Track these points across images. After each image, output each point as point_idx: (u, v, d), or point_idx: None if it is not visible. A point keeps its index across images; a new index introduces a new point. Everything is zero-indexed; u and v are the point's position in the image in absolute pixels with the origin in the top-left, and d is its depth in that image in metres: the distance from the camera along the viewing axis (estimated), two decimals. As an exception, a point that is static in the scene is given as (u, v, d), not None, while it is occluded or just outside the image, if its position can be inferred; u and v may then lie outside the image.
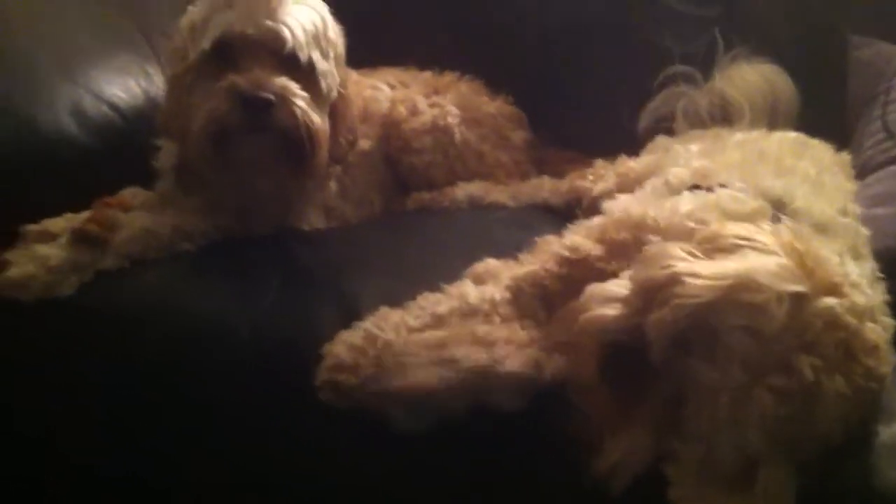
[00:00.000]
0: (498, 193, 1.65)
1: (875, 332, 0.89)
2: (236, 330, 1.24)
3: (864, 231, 1.16)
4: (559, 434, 1.01)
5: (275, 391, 1.22)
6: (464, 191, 1.65)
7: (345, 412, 1.11)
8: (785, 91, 1.66)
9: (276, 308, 1.26)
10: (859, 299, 0.89)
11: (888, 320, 0.96)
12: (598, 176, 1.60)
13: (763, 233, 0.95)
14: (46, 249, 1.31)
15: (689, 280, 0.89)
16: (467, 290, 1.16)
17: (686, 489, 0.91)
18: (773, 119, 1.63)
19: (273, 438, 1.24)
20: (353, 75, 1.63)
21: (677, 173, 1.26)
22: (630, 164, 1.54)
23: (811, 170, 1.25)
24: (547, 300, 1.14)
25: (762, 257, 0.90)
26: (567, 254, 1.14)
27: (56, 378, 1.34)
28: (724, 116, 1.67)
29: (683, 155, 1.38)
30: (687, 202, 1.10)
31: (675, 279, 0.90)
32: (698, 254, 0.94)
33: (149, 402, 1.29)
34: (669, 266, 0.92)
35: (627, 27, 1.86)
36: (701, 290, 0.88)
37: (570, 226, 1.23)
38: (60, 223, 1.38)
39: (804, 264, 0.89)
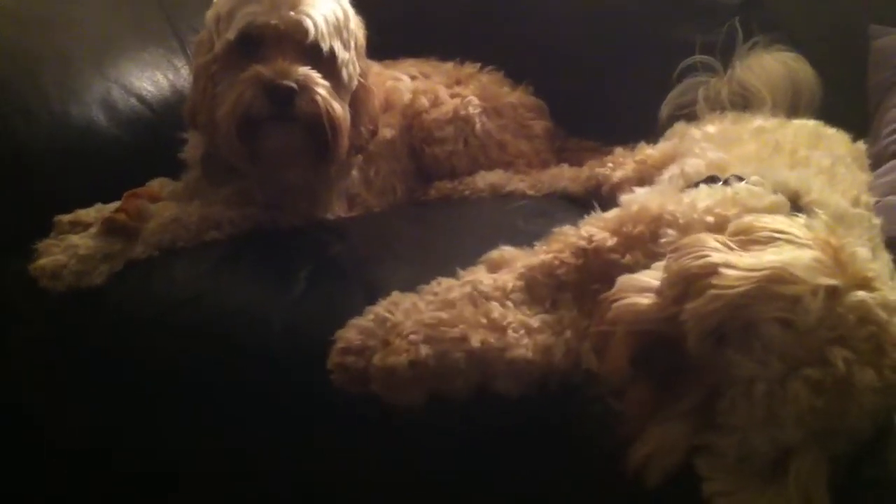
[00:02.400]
0: (518, 182, 1.66)
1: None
2: (268, 320, 1.26)
3: (876, 221, 1.15)
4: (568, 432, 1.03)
5: (307, 380, 1.21)
6: (484, 180, 1.66)
7: (357, 397, 1.11)
8: (806, 79, 1.65)
9: (307, 298, 1.28)
10: (889, 294, 0.89)
11: None
12: (618, 164, 1.61)
13: (797, 226, 0.95)
14: (77, 239, 1.34)
15: (725, 271, 0.89)
16: (480, 277, 1.16)
17: (721, 483, 0.91)
18: (794, 106, 1.63)
19: (305, 427, 1.26)
20: (375, 66, 1.65)
21: (693, 164, 1.26)
22: (648, 152, 1.55)
23: (825, 161, 1.25)
24: (560, 290, 1.14)
25: (797, 250, 0.90)
26: (582, 244, 1.14)
27: (83, 366, 1.37)
28: (745, 104, 1.66)
29: (699, 143, 1.38)
30: (705, 197, 1.10)
31: (711, 269, 0.90)
32: (732, 245, 0.94)
33: (178, 392, 1.32)
34: (705, 256, 0.92)
35: (647, 17, 1.86)
36: (737, 281, 0.88)
37: (586, 217, 1.23)
38: (91, 213, 1.43)
39: (838, 258, 0.89)
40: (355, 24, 1.47)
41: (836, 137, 1.42)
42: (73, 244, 1.33)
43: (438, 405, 1.11)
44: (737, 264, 0.89)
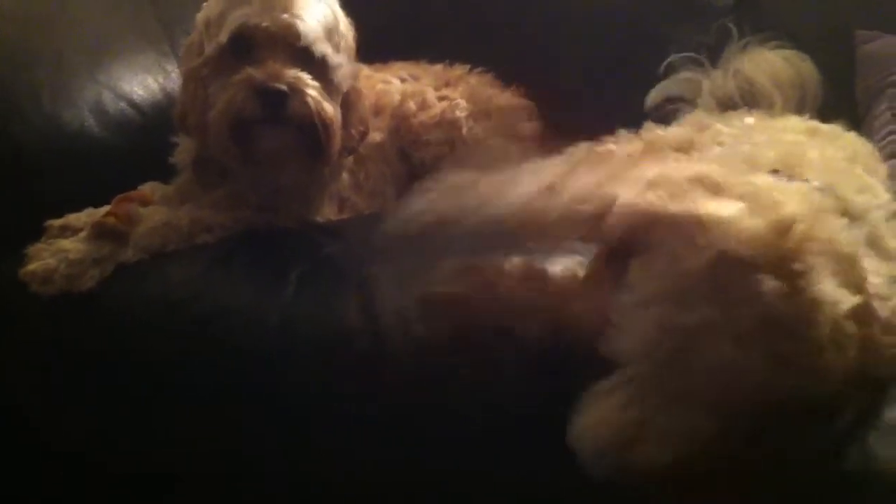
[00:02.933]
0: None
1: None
2: (262, 321, 1.28)
3: None
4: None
5: (301, 380, 1.26)
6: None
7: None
8: (811, 76, 1.64)
9: (299, 299, 1.30)
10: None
11: None
12: (621, 143, 1.53)
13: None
14: (67, 244, 1.35)
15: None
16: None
17: None
18: (801, 105, 1.61)
19: (301, 427, 1.28)
20: (365, 70, 1.66)
21: (762, 152, 1.20)
22: (659, 133, 1.50)
23: (885, 194, 1.20)
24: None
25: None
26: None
27: (76, 369, 1.39)
28: (752, 101, 1.64)
29: (752, 135, 1.34)
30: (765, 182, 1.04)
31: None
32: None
33: (172, 394, 1.34)
34: None
35: (641, 17, 1.86)
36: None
37: None
38: (82, 217, 1.44)
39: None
40: (345, 27, 1.48)
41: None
42: (63, 248, 1.34)
43: (436, 404, 1.15)
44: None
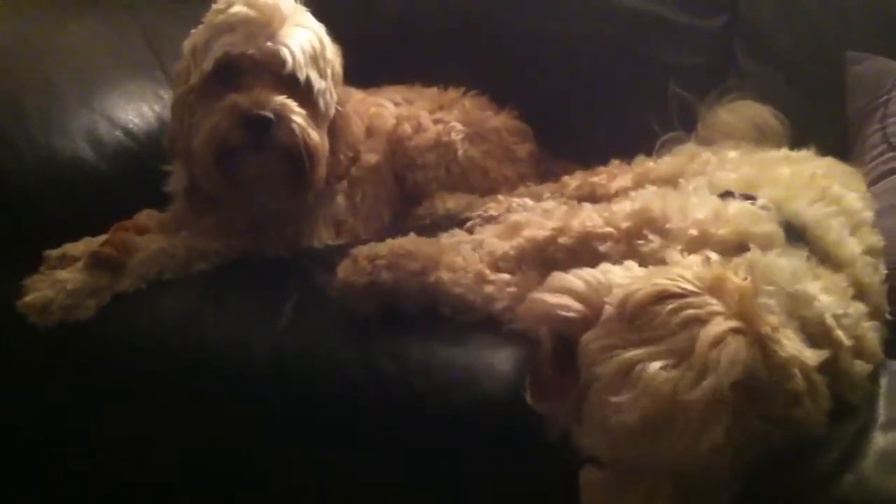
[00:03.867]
0: (479, 208, 1.65)
1: (797, 383, 0.90)
2: (255, 350, 1.29)
3: (883, 270, 1.18)
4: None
5: (293, 409, 1.27)
6: (444, 205, 1.67)
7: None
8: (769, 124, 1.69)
9: (292, 328, 1.30)
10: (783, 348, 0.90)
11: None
12: (612, 175, 1.60)
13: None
14: (65, 274, 1.35)
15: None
16: (488, 239, 1.31)
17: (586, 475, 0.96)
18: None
19: (293, 456, 1.29)
20: (358, 94, 1.67)
21: (723, 177, 1.28)
22: (650, 165, 1.55)
23: (856, 203, 1.25)
24: (545, 265, 1.20)
25: None
26: (577, 228, 1.20)
27: (74, 399, 1.39)
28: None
29: (731, 160, 1.40)
30: (702, 209, 1.12)
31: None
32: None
33: (167, 421, 1.35)
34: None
35: (629, 40, 1.87)
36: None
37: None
38: (80, 247, 1.44)
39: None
40: (332, 53, 1.48)
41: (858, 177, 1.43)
42: (60, 279, 1.34)
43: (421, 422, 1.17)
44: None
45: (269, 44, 1.37)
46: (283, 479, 1.32)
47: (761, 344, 0.88)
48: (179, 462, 1.38)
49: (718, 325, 0.88)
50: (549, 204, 1.49)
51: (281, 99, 1.36)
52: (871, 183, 1.48)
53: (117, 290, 1.37)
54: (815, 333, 0.97)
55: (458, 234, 1.34)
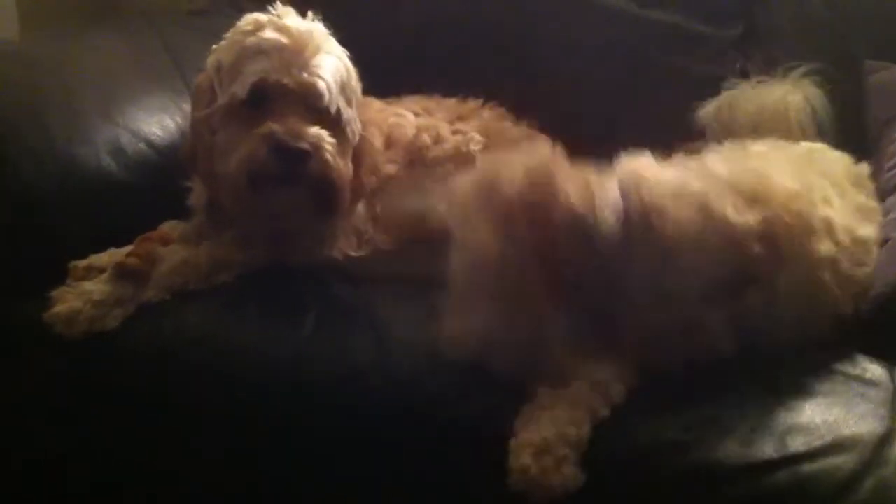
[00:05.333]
0: None
1: None
2: (277, 361, 1.30)
3: None
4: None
5: (315, 418, 1.27)
6: None
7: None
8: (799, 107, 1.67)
9: (314, 339, 1.31)
10: None
11: None
12: None
13: None
14: (90, 285, 1.37)
15: None
16: None
17: None
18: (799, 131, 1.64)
19: (315, 470, 1.30)
20: (377, 104, 1.68)
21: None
22: None
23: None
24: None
25: None
26: None
27: (96, 409, 1.40)
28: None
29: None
30: None
31: None
32: None
33: (190, 432, 1.36)
34: None
35: (647, 50, 1.88)
36: None
37: None
38: (105, 258, 1.45)
39: None
40: (355, 80, 1.49)
41: (833, 159, 1.44)
42: (86, 290, 1.36)
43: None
44: None
45: (304, 75, 1.38)
46: (304, 488, 1.32)
47: None
48: (200, 469, 1.38)
49: None
50: None
51: (316, 130, 1.37)
52: (890, 192, 1.48)
53: (142, 301, 1.38)
54: None
55: None
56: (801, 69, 1.70)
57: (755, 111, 1.66)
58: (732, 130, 1.66)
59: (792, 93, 1.66)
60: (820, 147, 1.47)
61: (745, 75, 1.75)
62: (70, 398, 1.42)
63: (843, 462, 1.05)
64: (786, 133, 1.61)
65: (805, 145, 1.47)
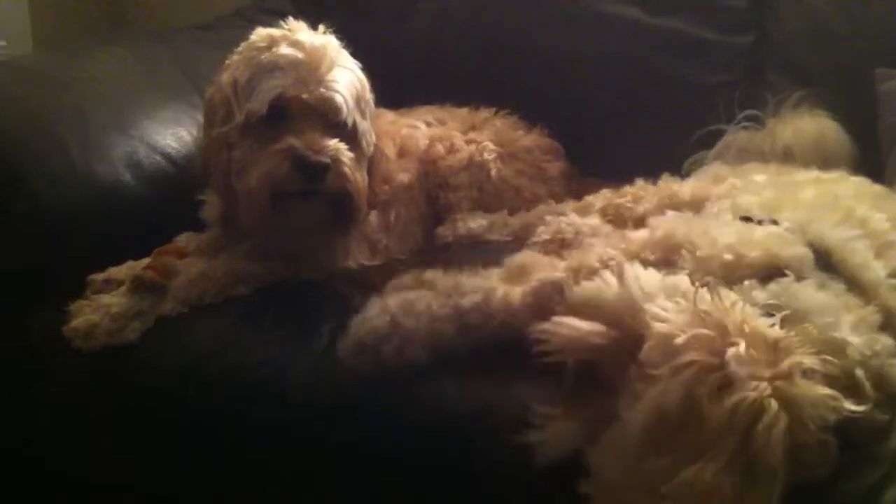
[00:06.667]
0: (502, 227, 1.67)
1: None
2: (293, 374, 1.30)
3: None
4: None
5: (332, 432, 1.27)
6: (466, 225, 1.67)
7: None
8: (837, 147, 1.65)
9: (331, 351, 1.29)
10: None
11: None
12: (638, 197, 1.57)
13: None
14: (108, 298, 1.37)
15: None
16: (494, 289, 1.22)
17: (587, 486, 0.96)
18: (825, 163, 1.58)
19: (333, 479, 1.30)
20: (389, 115, 1.69)
21: (746, 201, 1.27)
22: (674, 188, 1.52)
23: (883, 224, 1.21)
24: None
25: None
26: (596, 265, 1.16)
27: (109, 419, 1.42)
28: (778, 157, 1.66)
29: (752, 184, 1.38)
30: (730, 234, 1.11)
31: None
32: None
33: (208, 446, 1.36)
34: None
35: (658, 59, 1.88)
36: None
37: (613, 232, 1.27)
38: (123, 270, 1.47)
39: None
40: (368, 93, 1.50)
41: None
42: (104, 303, 1.36)
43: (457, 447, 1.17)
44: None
45: (321, 89, 1.39)
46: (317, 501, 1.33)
47: (795, 415, 0.87)
48: (219, 484, 1.39)
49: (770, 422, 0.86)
50: (593, 221, 1.48)
51: (335, 143, 1.38)
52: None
53: (160, 314, 1.39)
54: (844, 384, 0.94)
55: (464, 283, 1.27)
56: (796, 95, 1.71)
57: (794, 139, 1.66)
58: (765, 155, 1.67)
59: (830, 125, 1.65)
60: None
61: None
62: (88, 410, 1.44)
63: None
64: (824, 165, 1.57)
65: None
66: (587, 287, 1.01)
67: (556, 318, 1.00)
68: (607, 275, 1.01)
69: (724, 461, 0.84)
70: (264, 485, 1.34)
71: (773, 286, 1.02)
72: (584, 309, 0.99)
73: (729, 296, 0.96)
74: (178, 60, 1.84)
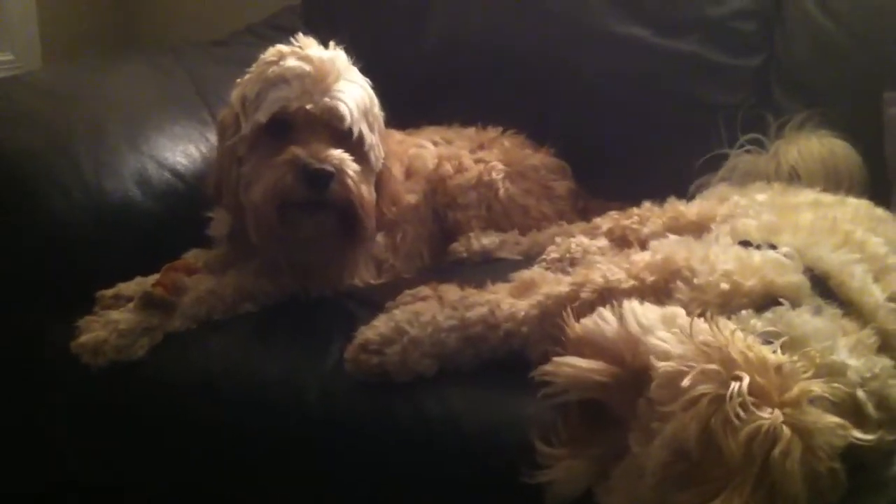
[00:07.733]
0: (513, 245, 1.68)
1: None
2: (303, 390, 1.30)
3: None
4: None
5: (342, 449, 1.27)
6: (479, 242, 1.68)
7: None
8: (847, 167, 1.65)
9: (340, 368, 1.30)
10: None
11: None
12: (644, 218, 1.57)
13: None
14: (117, 314, 1.38)
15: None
16: (500, 302, 1.24)
17: None
18: (837, 184, 1.60)
19: (341, 497, 1.29)
20: (397, 135, 1.70)
21: (745, 224, 1.27)
22: (681, 209, 1.52)
23: (881, 249, 1.21)
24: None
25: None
26: (600, 281, 1.18)
27: (121, 433, 1.42)
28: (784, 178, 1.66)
29: (753, 206, 1.38)
30: (729, 261, 1.11)
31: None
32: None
33: (217, 462, 1.37)
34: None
35: (667, 79, 1.89)
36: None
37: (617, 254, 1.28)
38: (132, 286, 1.47)
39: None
40: (377, 108, 1.51)
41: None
42: (113, 319, 1.37)
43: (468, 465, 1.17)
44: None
45: (326, 99, 1.40)
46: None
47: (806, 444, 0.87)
48: (226, 496, 1.39)
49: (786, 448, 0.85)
50: (601, 242, 1.49)
51: (339, 153, 1.38)
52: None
53: (168, 331, 1.39)
54: (847, 407, 0.94)
55: (470, 296, 1.30)
56: (799, 117, 1.71)
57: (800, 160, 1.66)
58: (769, 177, 1.66)
59: (840, 144, 1.65)
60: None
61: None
62: (97, 425, 1.44)
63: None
64: (834, 185, 1.59)
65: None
66: (586, 324, 1.01)
67: (558, 359, 0.99)
68: (605, 312, 1.00)
69: (747, 492, 0.83)
70: (270, 498, 1.34)
71: (768, 314, 1.02)
72: (585, 347, 0.99)
73: (727, 325, 0.96)
74: (189, 76, 1.85)
